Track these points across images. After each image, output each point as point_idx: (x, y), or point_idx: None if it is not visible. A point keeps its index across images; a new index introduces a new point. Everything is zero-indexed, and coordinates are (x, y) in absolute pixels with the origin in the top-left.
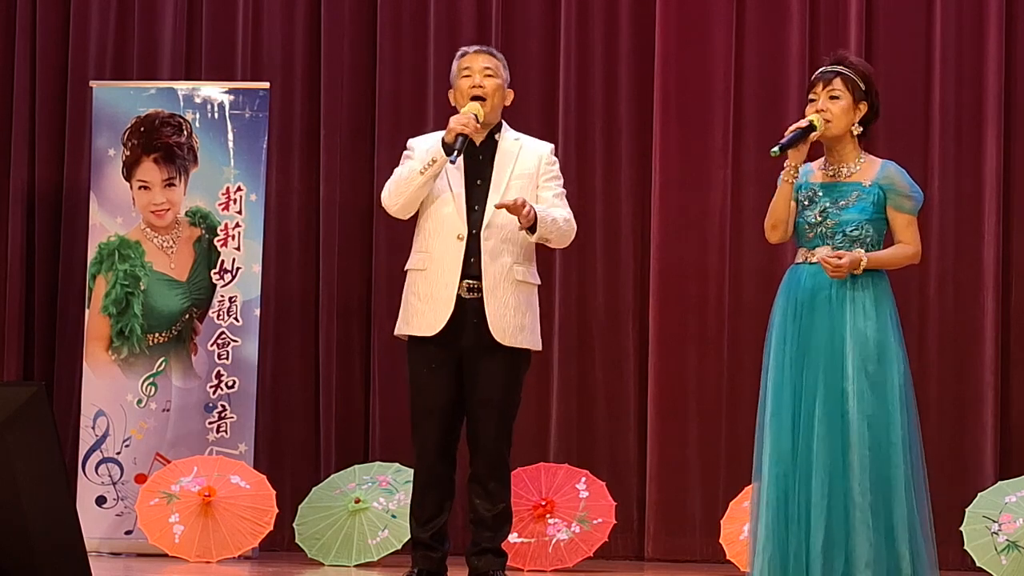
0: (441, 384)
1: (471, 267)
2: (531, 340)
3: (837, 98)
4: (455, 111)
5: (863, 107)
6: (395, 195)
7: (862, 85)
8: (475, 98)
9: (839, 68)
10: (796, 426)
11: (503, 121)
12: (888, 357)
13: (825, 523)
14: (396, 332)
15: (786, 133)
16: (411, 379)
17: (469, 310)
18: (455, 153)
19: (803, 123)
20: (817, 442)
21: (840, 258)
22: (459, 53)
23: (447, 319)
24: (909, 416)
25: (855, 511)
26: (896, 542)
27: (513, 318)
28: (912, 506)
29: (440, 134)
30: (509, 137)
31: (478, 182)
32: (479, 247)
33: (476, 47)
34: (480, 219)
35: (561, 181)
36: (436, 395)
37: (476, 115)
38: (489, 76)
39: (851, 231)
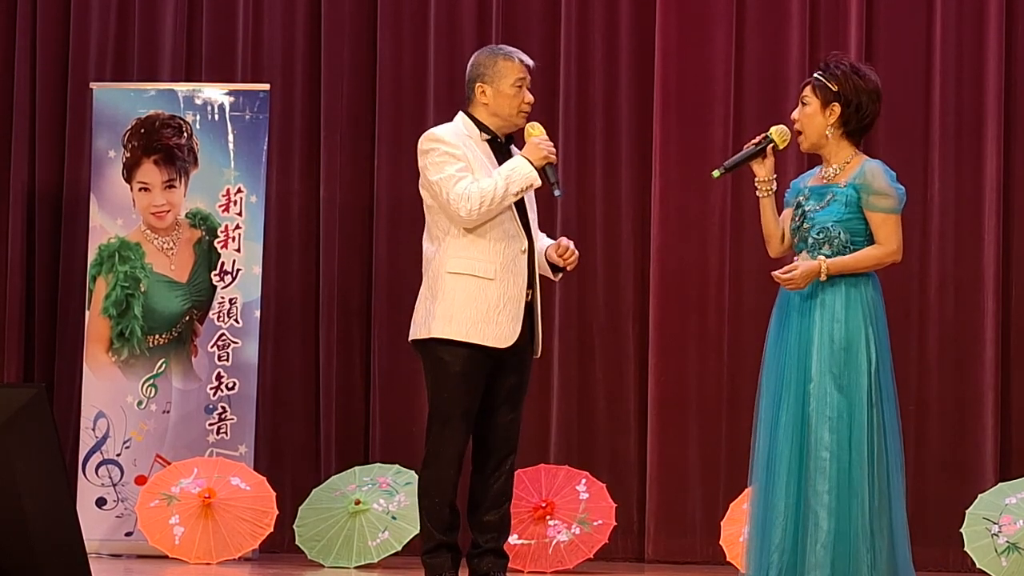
0: (479, 392)
1: (530, 277)
2: None
3: (805, 104)
4: (444, 111)
5: (836, 108)
6: (486, 212)
7: (833, 87)
8: (520, 111)
9: (814, 75)
10: (772, 430)
11: None
12: (856, 359)
13: (783, 523)
14: (443, 335)
15: (744, 148)
16: (449, 380)
17: (526, 316)
18: (557, 187)
19: (757, 139)
20: (781, 444)
21: (789, 272)
22: (509, 54)
23: (519, 332)
24: (883, 417)
25: (810, 512)
26: (854, 543)
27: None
28: (874, 507)
29: (456, 128)
30: (515, 149)
31: None
32: (534, 258)
33: (526, 57)
34: (528, 231)
35: None
36: (476, 399)
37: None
38: (530, 91)
39: (819, 235)
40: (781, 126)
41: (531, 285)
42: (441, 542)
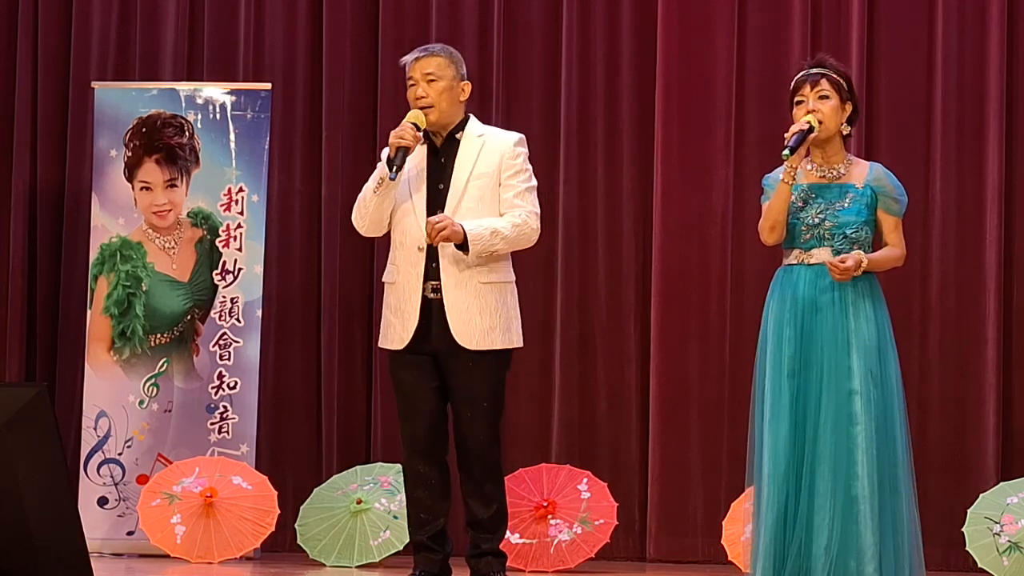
0: (422, 387)
1: (432, 271)
2: (504, 339)
3: (827, 98)
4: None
5: (848, 107)
6: (359, 218)
7: (845, 85)
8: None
9: (823, 70)
10: (796, 428)
11: (470, 116)
12: (887, 359)
13: (830, 522)
14: (379, 344)
15: (787, 136)
16: (393, 386)
17: (435, 313)
18: (395, 170)
19: (803, 125)
20: (822, 443)
21: (844, 261)
22: (402, 62)
23: (413, 331)
24: (903, 417)
25: (864, 509)
26: (901, 540)
27: (480, 322)
28: (910, 501)
29: None
30: (472, 134)
31: (440, 186)
32: (439, 253)
33: (416, 53)
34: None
35: (526, 175)
36: (417, 398)
37: (415, 123)
38: (432, 81)
39: (852, 232)
40: (813, 115)
41: (436, 277)
42: (415, 541)
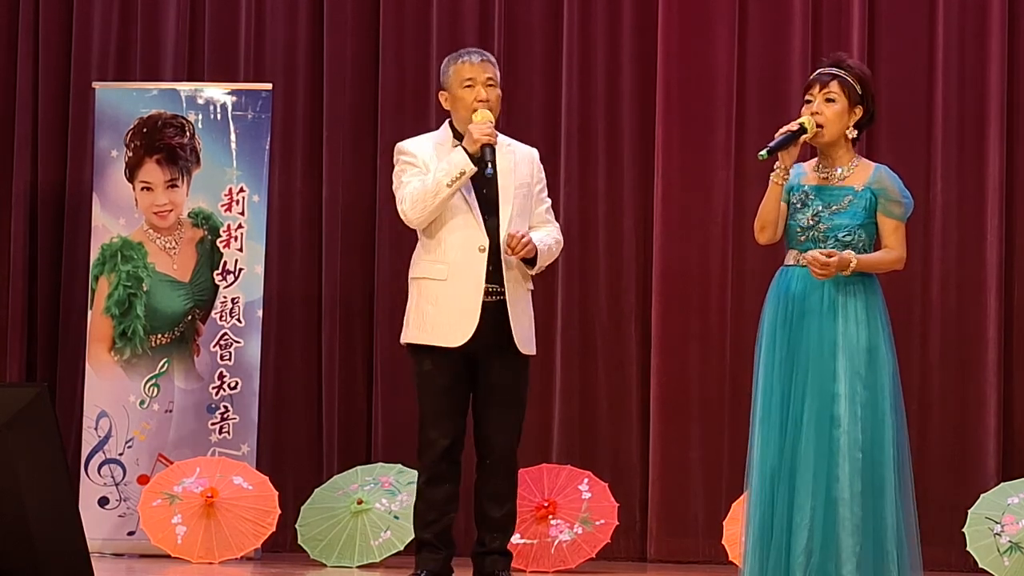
0: (458, 389)
1: (491, 275)
2: (534, 345)
3: (833, 101)
4: (445, 113)
5: (859, 111)
6: (421, 209)
7: (859, 89)
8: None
9: (836, 71)
10: (784, 429)
11: None
12: (879, 361)
13: (810, 524)
14: (408, 340)
15: (776, 135)
16: (422, 382)
17: (489, 315)
18: (489, 166)
19: (793, 126)
20: (805, 444)
21: (829, 257)
22: (457, 58)
23: (474, 330)
24: (897, 419)
25: (844, 512)
26: (884, 542)
27: (528, 327)
28: (899, 505)
29: (432, 137)
30: (503, 143)
31: (484, 191)
32: (499, 258)
33: (478, 55)
34: (496, 230)
35: (547, 190)
36: (452, 399)
37: (491, 122)
38: (491, 86)
39: (843, 236)
40: (811, 117)
41: (497, 282)
42: (420, 539)
